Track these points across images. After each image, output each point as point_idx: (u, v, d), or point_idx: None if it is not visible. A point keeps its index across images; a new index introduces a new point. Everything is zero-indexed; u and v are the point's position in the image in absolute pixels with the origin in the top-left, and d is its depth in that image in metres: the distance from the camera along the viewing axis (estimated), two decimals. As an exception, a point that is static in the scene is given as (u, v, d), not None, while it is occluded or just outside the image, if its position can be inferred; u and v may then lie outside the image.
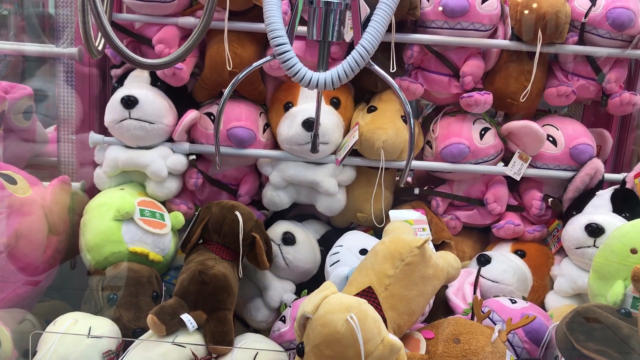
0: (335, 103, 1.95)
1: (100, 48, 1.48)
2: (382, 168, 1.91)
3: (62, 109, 2.01)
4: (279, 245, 1.90)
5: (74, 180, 1.97)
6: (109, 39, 1.31)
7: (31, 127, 2.07)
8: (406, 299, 1.35)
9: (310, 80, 1.21)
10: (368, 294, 1.34)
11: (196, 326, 1.57)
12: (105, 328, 1.58)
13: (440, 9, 1.84)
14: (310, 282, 1.95)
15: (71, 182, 1.92)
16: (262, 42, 1.95)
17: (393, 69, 1.86)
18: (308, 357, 1.20)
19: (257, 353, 1.55)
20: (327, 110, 1.91)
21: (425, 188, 2.08)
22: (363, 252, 1.72)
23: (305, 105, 1.91)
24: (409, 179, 2.35)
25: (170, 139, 1.93)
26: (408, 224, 1.67)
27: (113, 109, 1.85)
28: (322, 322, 1.16)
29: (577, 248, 1.80)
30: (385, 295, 1.34)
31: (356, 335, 1.12)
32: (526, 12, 1.84)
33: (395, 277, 1.35)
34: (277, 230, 1.93)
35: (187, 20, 1.88)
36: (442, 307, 1.74)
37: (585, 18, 1.89)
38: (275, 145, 2.01)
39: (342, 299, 1.20)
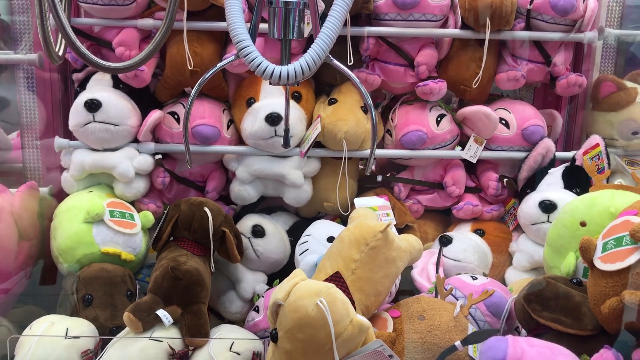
0: (296, 97, 2.00)
1: (60, 53, 1.50)
2: (345, 158, 1.97)
3: (24, 115, 2.02)
4: (249, 238, 1.95)
5: (42, 186, 1.99)
6: (72, 43, 1.33)
7: (-6, 135, 2.07)
8: (372, 281, 1.41)
9: (272, 74, 1.23)
10: (336, 279, 1.40)
11: (172, 321, 1.61)
12: (82, 328, 1.61)
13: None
14: (281, 272, 2.00)
15: (39, 187, 1.94)
16: (221, 41, 1.99)
17: (351, 61, 1.92)
18: (281, 342, 1.25)
19: (232, 342, 1.60)
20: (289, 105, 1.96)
21: (387, 175, 2.15)
22: (330, 239, 1.78)
23: (268, 100, 1.96)
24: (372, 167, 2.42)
25: (135, 140, 1.96)
26: (372, 211, 1.74)
27: (77, 112, 1.87)
28: (294, 307, 1.21)
29: (532, 224, 1.90)
30: (353, 279, 1.40)
31: (326, 318, 1.18)
32: (474, 1, 1.92)
33: (361, 261, 1.41)
34: (247, 223, 1.98)
35: (146, 22, 1.90)
36: (408, 288, 1.82)
37: (530, 5, 1.97)
38: (240, 141, 2.05)
39: (312, 284, 1.25)
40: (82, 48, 1.26)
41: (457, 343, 1.28)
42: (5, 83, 2.10)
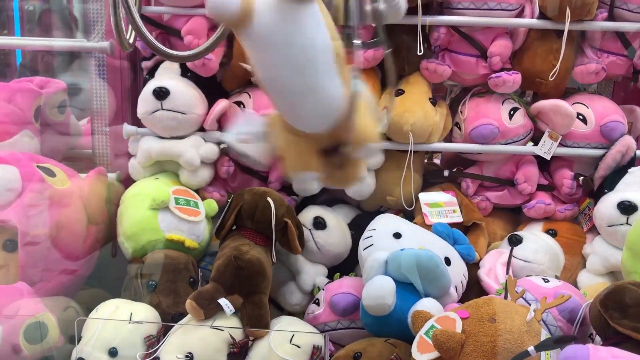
0: (363, 88, 1.96)
1: (131, 41, 1.52)
2: (410, 151, 1.92)
3: (95, 102, 2.06)
4: (310, 229, 1.93)
5: (109, 171, 2.02)
6: (140, 32, 1.34)
7: (65, 121, 2.12)
8: None
9: None
10: None
11: (233, 310, 1.62)
12: (145, 313, 1.64)
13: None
14: (341, 265, 1.98)
15: (107, 173, 1.97)
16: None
17: (421, 51, 1.87)
18: None
19: (293, 335, 1.59)
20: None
21: (454, 170, 2.08)
22: (397, 235, 1.73)
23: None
24: (437, 161, 2.36)
25: (201, 129, 1.97)
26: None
27: (145, 100, 1.89)
28: None
29: (609, 226, 1.80)
30: None
31: None
32: (553, -11, 1.83)
33: None
34: (308, 215, 1.96)
35: (215, 11, 1.90)
36: (475, 288, 1.76)
37: (615, -7, 1.87)
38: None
39: None
40: (149, 36, 1.26)
41: (531, 348, 1.22)
42: (78, 70, 2.15)
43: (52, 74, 2.16)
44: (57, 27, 2.55)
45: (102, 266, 1.96)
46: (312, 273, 1.93)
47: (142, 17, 1.88)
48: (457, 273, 1.71)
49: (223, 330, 1.58)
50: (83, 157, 2.16)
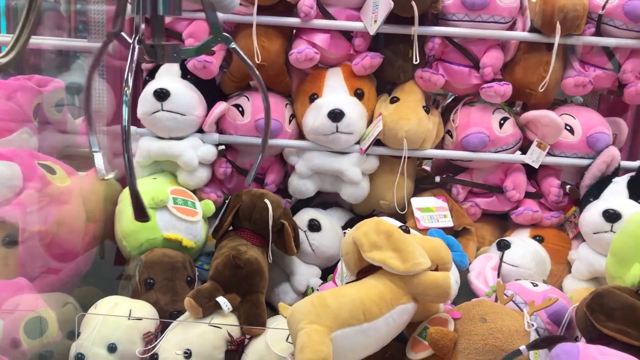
0: (359, 94, 2.01)
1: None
2: (404, 157, 1.97)
3: (94, 102, 2.07)
4: (305, 231, 1.97)
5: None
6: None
7: (63, 119, 2.13)
8: None
9: None
10: None
11: (231, 308, 1.65)
12: (144, 310, 1.66)
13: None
14: (335, 267, 2.01)
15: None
16: (288, 36, 2.02)
17: (416, 60, 1.92)
18: None
19: (289, 334, 1.62)
20: (351, 101, 1.97)
21: (445, 176, 2.14)
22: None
23: (331, 96, 1.97)
24: (428, 168, 2.42)
25: (200, 130, 2.00)
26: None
27: (146, 101, 1.92)
28: None
29: (594, 233, 1.86)
30: None
31: None
32: (545, 4, 1.89)
33: None
34: (303, 217, 2.00)
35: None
36: (464, 290, 1.81)
37: (602, 10, 1.93)
38: (300, 135, 2.07)
39: None
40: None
41: (523, 347, 1.27)
42: (79, 69, 2.16)
43: (50, 73, 2.17)
44: (54, 26, 2.56)
45: (97, 265, 1.97)
46: (306, 274, 1.97)
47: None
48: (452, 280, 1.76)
49: (221, 328, 1.61)
50: (80, 155, 2.17)
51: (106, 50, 1.21)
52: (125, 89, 0.97)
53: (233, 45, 1.23)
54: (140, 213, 0.99)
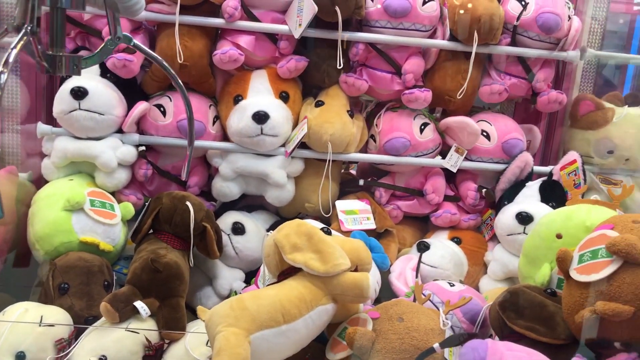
0: (284, 97, 2.01)
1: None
2: (329, 160, 1.99)
3: (6, 99, 1.99)
4: (228, 235, 1.95)
5: (20, 171, 1.96)
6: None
7: (-28, 117, 2.03)
8: None
9: None
10: None
11: (149, 313, 1.61)
12: (57, 316, 1.59)
13: (379, 6, 1.93)
14: (258, 270, 2.00)
15: (18, 173, 1.91)
16: (212, 36, 2.00)
17: (340, 65, 1.94)
18: None
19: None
20: (276, 104, 1.97)
21: (369, 179, 2.18)
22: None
23: (255, 98, 1.97)
24: (354, 172, 2.45)
25: (119, 130, 1.95)
26: None
27: (62, 99, 1.85)
28: None
29: (508, 235, 1.94)
30: None
31: None
32: (463, 14, 1.96)
33: None
34: (227, 220, 1.98)
35: (138, 13, 1.89)
36: (386, 292, 1.84)
37: (517, 21, 2.03)
38: (224, 137, 2.05)
39: None
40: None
41: (436, 345, 1.31)
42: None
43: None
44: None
45: (8, 270, 1.88)
46: (229, 277, 1.95)
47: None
48: (371, 280, 1.78)
49: (138, 333, 1.56)
50: (-9, 155, 2.07)
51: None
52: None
53: (134, 42, 1.20)
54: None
